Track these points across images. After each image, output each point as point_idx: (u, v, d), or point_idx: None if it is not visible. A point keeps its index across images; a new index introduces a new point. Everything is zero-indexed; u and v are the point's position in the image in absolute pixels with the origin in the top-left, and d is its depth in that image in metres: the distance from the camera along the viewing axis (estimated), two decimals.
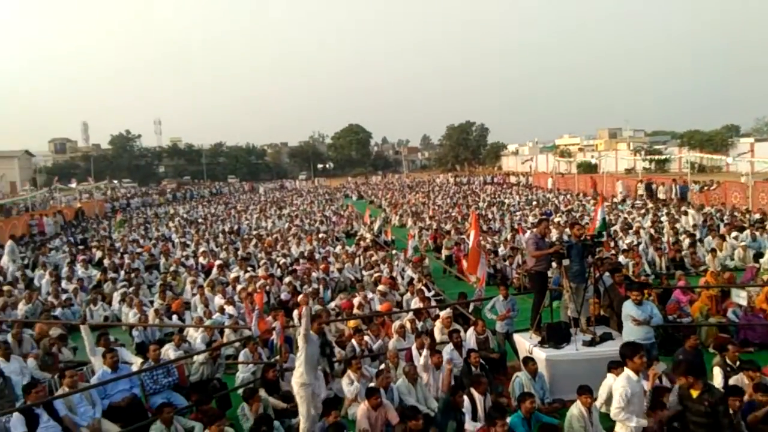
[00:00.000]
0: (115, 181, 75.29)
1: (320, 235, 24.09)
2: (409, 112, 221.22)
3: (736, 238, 17.57)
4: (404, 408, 7.25)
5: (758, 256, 16.08)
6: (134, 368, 8.52)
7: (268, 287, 14.17)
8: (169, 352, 9.40)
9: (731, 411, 5.96)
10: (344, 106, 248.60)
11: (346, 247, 20.82)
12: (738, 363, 7.65)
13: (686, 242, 17.50)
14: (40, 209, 37.06)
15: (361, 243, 21.64)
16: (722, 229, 19.22)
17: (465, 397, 7.29)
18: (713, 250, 16.04)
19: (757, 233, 17.97)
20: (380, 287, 13.29)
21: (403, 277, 15.65)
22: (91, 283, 16.49)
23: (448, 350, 9.04)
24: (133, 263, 18.53)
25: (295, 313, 11.73)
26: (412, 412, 6.70)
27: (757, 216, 21.73)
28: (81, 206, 42.12)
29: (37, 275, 17.61)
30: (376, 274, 15.29)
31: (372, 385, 7.70)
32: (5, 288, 14.65)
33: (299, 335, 7.26)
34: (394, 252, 19.62)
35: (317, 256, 18.85)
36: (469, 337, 9.55)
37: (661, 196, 30.78)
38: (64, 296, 14.18)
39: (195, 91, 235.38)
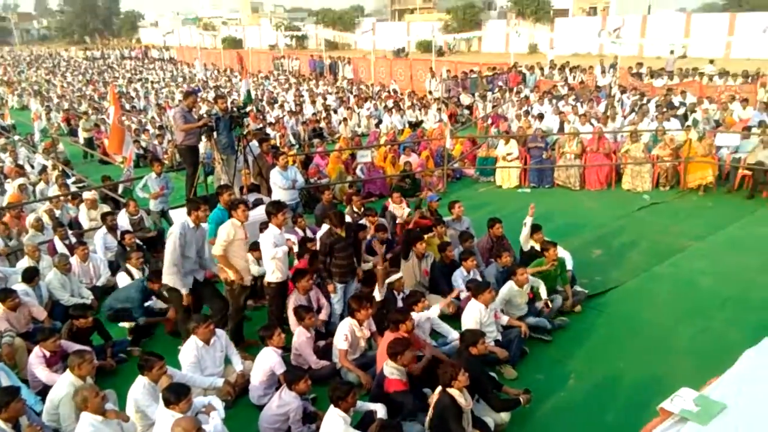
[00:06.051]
0: None
1: None
2: None
3: (368, 109, 20.04)
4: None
5: (379, 122, 18.96)
6: None
7: None
8: None
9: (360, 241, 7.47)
10: None
11: None
12: (362, 209, 9.20)
13: (323, 113, 19.43)
14: None
15: None
16: (352, 102, 21.78)
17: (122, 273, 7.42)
18: (344, 120, 18.19)
19: (378, 103, 21.02)
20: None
21: (33, 166, 13.64)
22: None
23: (101, 234, 8.52)
24: None
25: None
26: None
27: (377, 88, 25.18)
28: None
29: None
30: None
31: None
32: None
33: None
34: (17, 138, 16.70)
35: None
36: (122, 219, 9.11)
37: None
38: None
39: None
